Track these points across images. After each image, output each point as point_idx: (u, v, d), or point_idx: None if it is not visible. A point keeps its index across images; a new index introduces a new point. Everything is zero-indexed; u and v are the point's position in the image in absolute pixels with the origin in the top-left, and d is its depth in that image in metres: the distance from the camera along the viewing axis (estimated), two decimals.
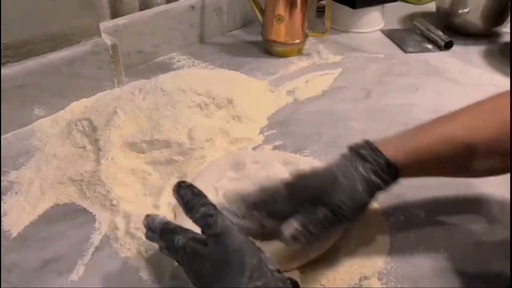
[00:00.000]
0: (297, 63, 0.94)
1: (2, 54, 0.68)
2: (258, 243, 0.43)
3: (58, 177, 0.61)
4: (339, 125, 0.75)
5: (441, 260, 0.51)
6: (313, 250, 0.49)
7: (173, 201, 0.57)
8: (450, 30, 1.05)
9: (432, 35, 1.03)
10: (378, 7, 1.09)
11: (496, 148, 0.47)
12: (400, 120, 0.75)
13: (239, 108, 0.72)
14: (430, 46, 1.01)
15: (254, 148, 0.69)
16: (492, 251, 0.53)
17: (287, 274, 0.43)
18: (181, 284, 0.48)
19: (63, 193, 0.60)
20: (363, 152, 0.47)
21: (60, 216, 0.57)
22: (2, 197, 0.59)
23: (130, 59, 0.90)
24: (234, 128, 0.70)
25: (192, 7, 0.97)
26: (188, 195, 0.43)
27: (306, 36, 0.97)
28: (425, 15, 1.16)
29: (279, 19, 0.93)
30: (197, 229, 0.44)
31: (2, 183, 0.61)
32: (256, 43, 1.02)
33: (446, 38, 1.00)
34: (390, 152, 0.47)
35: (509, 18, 1.02)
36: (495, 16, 1.02)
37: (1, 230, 0.55)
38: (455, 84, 0.87)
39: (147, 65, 0.93)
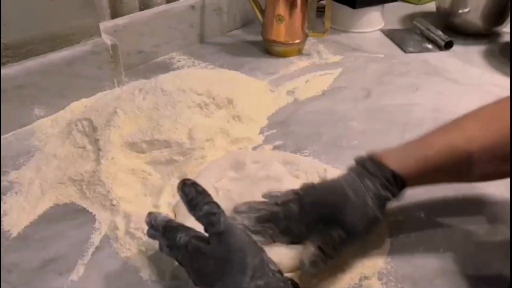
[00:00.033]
0: (297, 63, 0.94)
1: (2, 54, 0.68)
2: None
3: (58, 177, 0.61)
4: (339, 125, 0.75)
5: (441, 260, 0.51)
6: None
7: (173, 201, 0.57)
8: (450, 30, 1.05)
9: (432, 35, 1.03)
10: (378, 7, 1.09)
11: (496, 153, 0.48)
12: (400, 120, 0.75)
13: (239, 108, 0.72)
14: (430, 46, 1.01)
15: (254, 148, 0.69)
16: (492, 251, 0.53)
17: (287, 275, 0.43)
18: (181, 284, 0.48)
19: (63, 193, 0.60)
20: (369, 166, 0.48)
21: (60, 216, 0.57)
22: (2, 197, 0.59)
23: (130, 59, 0.89)
24: (234, 128, 0.70)
25: (192, 7, 0.97)
26: (192, 193, 0.43)
27: (306, 36, 0.97)
28: (425, 15, 1.16)
29: (279, 19, 0.93)
30: (198, 228, 0.44)
31: (2, 183, 0.61)
32: (256, 43, 1.02)
33: (446, 38, 1.00)
34: (395, 165, 0.48)
35: (509, 18, 1.02)
36: (495, 16, 1.02)
37: (1, 230, 0.55)
38: (455, 84, 0.87)
39: (147, 65, 0.93)
